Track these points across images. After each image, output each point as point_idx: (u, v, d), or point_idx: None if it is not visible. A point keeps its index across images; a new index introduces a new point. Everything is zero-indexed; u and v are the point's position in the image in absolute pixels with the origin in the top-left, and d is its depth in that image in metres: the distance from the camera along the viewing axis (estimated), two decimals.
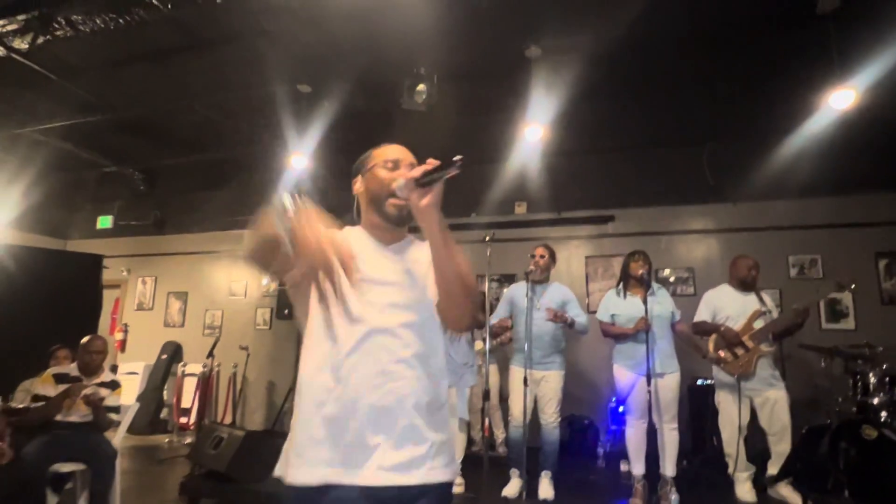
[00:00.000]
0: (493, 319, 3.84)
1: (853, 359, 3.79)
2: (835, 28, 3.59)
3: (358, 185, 1.35)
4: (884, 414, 3.25)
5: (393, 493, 1.08)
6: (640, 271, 3.62)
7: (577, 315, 3.69)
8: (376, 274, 1.21)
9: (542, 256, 3.79)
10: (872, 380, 3.45)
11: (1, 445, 2.56)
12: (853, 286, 3.49)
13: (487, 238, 3.55)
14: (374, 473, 1.07)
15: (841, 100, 3.80)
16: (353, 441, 1.08)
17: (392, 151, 1.30)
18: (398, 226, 1.29)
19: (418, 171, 1.11)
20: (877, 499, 2.98)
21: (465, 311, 1.22)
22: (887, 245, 4.84)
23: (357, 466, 1.07)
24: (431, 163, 1.10)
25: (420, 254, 1.29)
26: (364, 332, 1.14)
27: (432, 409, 1.17)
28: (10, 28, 3.50)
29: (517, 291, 3.80)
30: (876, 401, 3.35)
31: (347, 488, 1.06)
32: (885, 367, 3.52)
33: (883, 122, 4.33)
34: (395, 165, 1.27)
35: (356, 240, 1.27)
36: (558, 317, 3.55)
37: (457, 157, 1.03)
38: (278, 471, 1.15)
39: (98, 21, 3.40)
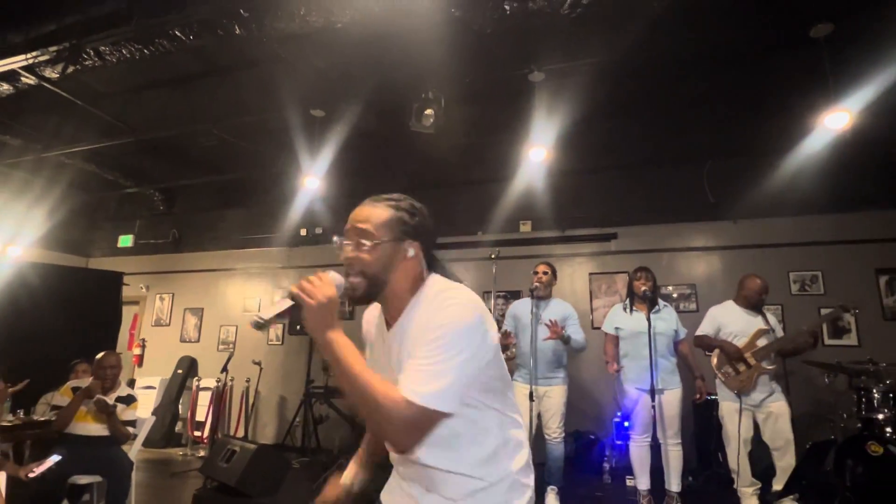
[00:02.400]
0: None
1: (857, 375, 3.73)
2: (828, 51, 3.62)
3: None
4: (889, 430, 3.18)
5: None
6: (643, 288, 3.62)
7: (575, 332, 3.65)
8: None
9: (544, 273, 3.79)
10: (877, 396, 3.39)
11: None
12: (856, 310, 3.45)
13: (493, 256, 3.58)
14: None
15: (836, 121, 3.81)
16: None
17: None
18: (363, 303, 1.14)
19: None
20: None
21: (383, 433, 0.98)
22: (888, 261, 4.79)
23: None
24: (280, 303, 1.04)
25: (400, 329, 1.10)
26: None
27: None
28: (42, 59, 3.61)
29: (521, 308, 3.80)
30: (881, 416, 3.29)
31: None
32: (888, 382, 3.46)
33: (879, 142, 4.34)
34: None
35: (373, 323, 1.23)
36: (555, 330, 3.50)
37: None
38: None
39: (124, 51, 3.51)
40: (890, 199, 4.81)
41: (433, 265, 1.16)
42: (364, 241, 1.07)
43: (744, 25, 3.58)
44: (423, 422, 0.95)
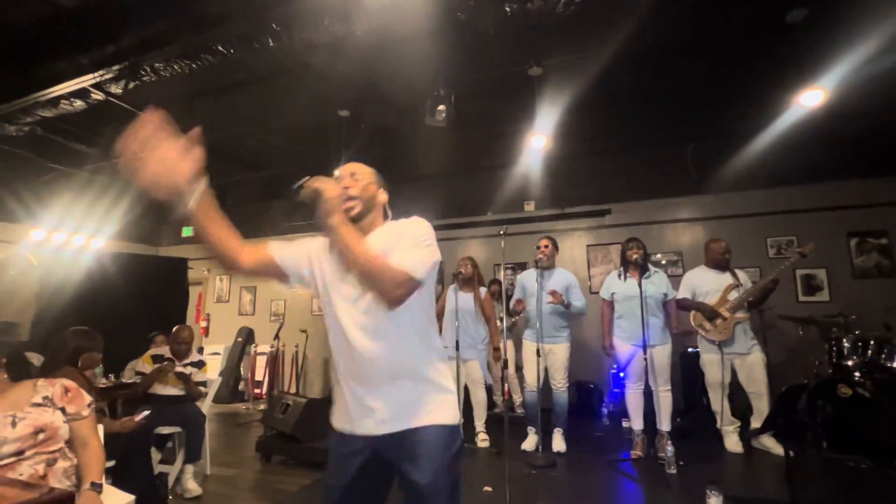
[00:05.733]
0: (512, 301, 3.85)
1: (829, 327, 3.64)
2: (803, 34, 3.42)
3: None
4: (857, 374, 3.11)
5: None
6: (635, 256, 3.55)
7: (576, 299, 3.63)
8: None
9: (546, 247, 3.75)
10: (847, 344, 3.32)
11: (129, 420, 2.64)
12: (810, 252, 3.37)
13: (501, 232, 3.53)
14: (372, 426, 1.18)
15: (811, 98, 3.62)
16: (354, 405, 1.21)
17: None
18: (357, 221, 1.27)
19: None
20: (852, 450, 2.87)
21: (379, 290, 1.11)
22: (857, 225, 4.62)
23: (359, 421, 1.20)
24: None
25: (376, 238, 1.24)
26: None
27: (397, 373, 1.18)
28: (107, 77, 3.63)
29: (527, 277, 3.78)
30: (850, 363, 3.22)
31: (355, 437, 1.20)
32: (857, 332, 3.38)
33: (847, 117, 4.12)
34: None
35: (320, 249, 1.36)
36: (558, 298, 3.50)
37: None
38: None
39: (175, 67, 3.49)
40: (858, 169, 4.60)
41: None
42: (359, 178, 1.30)
43: (723, 13, 3.40)
44: (408, 284, 1.10)
